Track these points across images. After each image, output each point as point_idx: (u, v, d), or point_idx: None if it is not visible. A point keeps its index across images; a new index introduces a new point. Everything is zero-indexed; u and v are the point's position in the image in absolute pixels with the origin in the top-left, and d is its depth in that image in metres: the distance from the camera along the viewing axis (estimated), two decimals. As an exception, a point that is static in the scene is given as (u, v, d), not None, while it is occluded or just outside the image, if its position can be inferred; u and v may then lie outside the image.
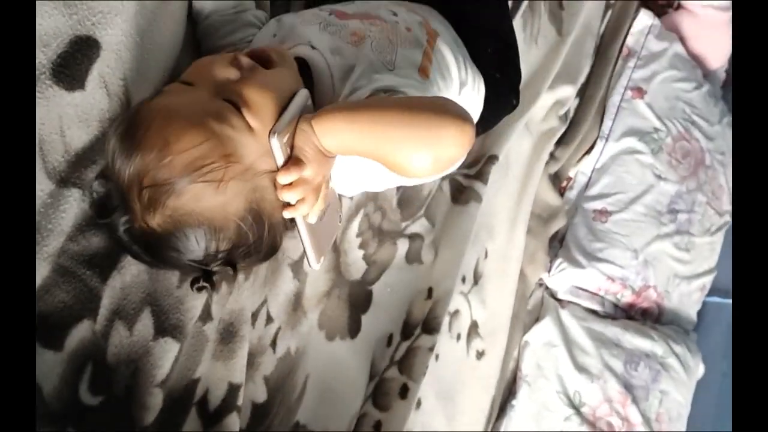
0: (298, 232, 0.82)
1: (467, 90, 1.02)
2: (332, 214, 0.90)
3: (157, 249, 0.77)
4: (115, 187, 0.73)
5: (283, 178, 0.75)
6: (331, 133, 0.76)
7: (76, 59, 0.71)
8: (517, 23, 1.54)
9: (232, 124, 0.74)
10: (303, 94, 0.80)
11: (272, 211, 0.79)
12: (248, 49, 0.82)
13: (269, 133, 0.74)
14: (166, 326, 0.87)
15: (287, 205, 0.78)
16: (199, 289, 0.82)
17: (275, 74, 0.80)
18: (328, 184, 0.83)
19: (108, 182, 0.75)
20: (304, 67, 0.87)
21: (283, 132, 0.74)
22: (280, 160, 0.75)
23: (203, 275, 0.82)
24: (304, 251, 0.85)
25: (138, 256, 0.80)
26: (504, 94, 1.14)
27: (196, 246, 0.76)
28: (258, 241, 0.80)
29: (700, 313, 2.16)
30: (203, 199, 0.73)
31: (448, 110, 0.76)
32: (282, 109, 0.77)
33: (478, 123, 1.04)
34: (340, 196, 0.97)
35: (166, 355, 0.87)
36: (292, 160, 0.76)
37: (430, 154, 0.75)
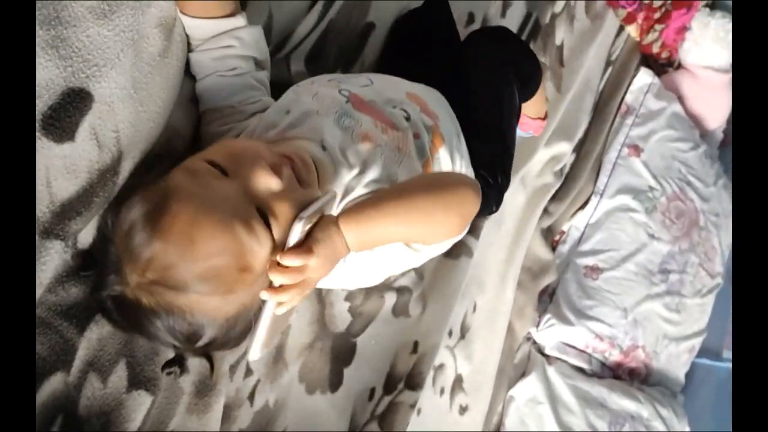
0: (260, 318, 0.76)
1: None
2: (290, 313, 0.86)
3: (136, 320, 0.77)
4: (116, 253, 0.73)
5: (288, 261, 0.73)
6: (360, 229, 0.77)
7: (67, 111, 0.70)
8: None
9: (258, 238, 0.74)
10: (332, 194, 0.81)
11: (258, 308, 0.80)
12: (288, 152, 0.81)
13: (296, 217, 0.73)
14: (141, 378, 0.86)
15: (270, 286, 0.75)
16: (169, 374, 0.83)
17: (307, 197, 0.79)
18: (313, 286, 0.81)
19: (104, 240, 0.75)
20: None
21: (308, 220, 0.74)
22: (293, 242, 0.74)
23: (176, 360, 0.82)
24: (254, 338, 0.78)
25: (113, 321, 0.80)
26: (489, 199, 1.15)
27: (176, 335, 0.77)
28: (239, 336, 0.82)
29: (688, 375, 2.14)
30: (201, 302, 0.74)
31: (454, 176, 0.87)
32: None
33: None
34: None
35: (139, 408, 0.86)
36: (305, 247, 0.74)
37: (458, 214, 0.83)
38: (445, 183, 0.85)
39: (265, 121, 0.91)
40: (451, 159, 1.00)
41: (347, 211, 0.79)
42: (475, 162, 1.07)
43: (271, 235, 0.75)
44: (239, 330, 0.80)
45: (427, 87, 1.08)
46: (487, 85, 1.14)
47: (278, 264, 0.73)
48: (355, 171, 0.87)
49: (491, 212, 1.21)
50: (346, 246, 0.77)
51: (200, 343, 0.78)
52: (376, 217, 0.78)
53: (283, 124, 0.90)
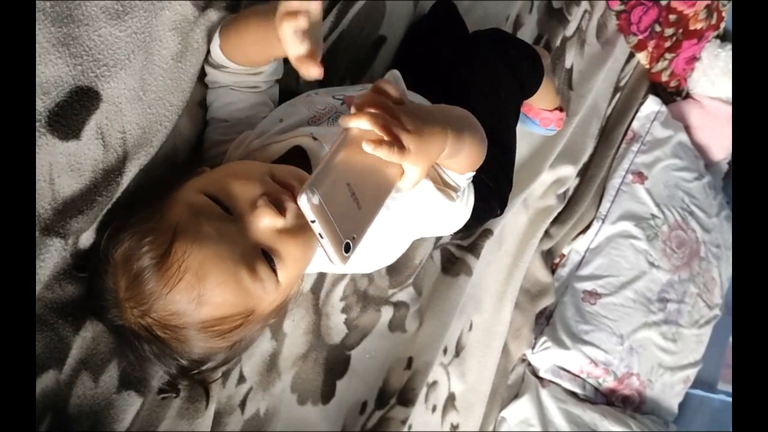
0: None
1: (455, 203, 1.02)
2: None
3: (132, 347, 0.77)
4: (115, 288, 0.73)
5: (385, 85, 0.67)
6: (456, 135, 0.73)
7: (74, 109, 0.71)
8: (524, 100, 1.55)
9: (264, 284, 0.74)
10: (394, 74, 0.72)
11: (252, 338, 0.81)
12: (287, 179, 0.77)
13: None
14: (132, 379, 0.86)
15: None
16: (164, 399, 0.84)
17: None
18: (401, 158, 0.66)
19: (104, 270, 0.75)
20: (302, 156, 0.85)
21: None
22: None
23: (171, 386, 0.84)
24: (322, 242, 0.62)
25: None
26: (492, 203, 1.14)
27: (172, 366, 0.78)
28: (229, 362, 0.83)
29: (681, 405, 2.13)
30: (201, 342, 0.75)
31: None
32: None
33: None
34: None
35: (129, 408, 0.86)
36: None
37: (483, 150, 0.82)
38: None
39: (257, 130, 0.90)
40: None
41: (452, 119, 0.74)
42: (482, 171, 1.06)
43: (276, 277, 0.75)
44: (237, 354, 0.81)
45: (424, 99, 1.07)
46: (483, 89, 1.14)
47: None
48: None
49: (496, 215, 1.20)
50: (443, 145, 0.70)
51: (195, 372, 0.79)
52: (464, 131, 0.75)
53: (273, 130, 0.89)
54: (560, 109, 1.56)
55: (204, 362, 0.79)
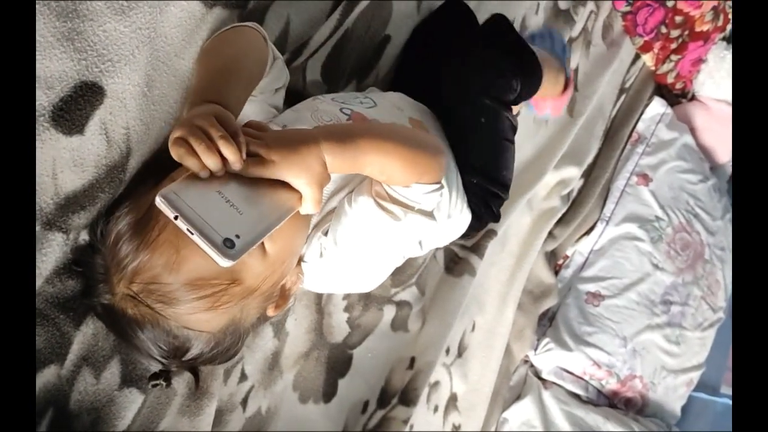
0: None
1: (453, 220, 1.02)
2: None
3: (123, 331, 0.76)
4: (103, 262, 0.73)
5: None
6: (342, 146, 0.73)
7: (78, 104, 0.71)
8: (530, 101, 1.55)
9: None
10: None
11: (248, 324, 0.79)
12: None
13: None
14: (133, 376, 0.86)
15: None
16: (155, 386, 0.82)
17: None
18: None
19: (93, 249, 0.74)
20: None
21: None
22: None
23: (162, 373, 0.81)
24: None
25: (106, 326, 0.80)
26: (490, 209, 1.11)
27: (161, 348, 0.75)
28: (225, 352, 0.80)
29: (684, 408, 2.12)
30: (187, 315, 0.72)
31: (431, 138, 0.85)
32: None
33: None
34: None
35: (130, 405, 0.86)
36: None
37: (424, 169, 0.79)
38: (422, 138, 0.83)
39: None
40: (448, 194, 0.98)
41: (331, 128, 0.78)
42: (472, 186, 1.04)
43: (263, 246, 0.74)
44: (227, 345, 0.78)
45: (429, 112, 1.07)
46: (480, 94, 1.07)
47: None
48: (342, 185, 0.86)
49: (495, 221, 1.17)
50: (323, 160, 0.72)
51: (186, 357, 0.77)
52: (359, 139, 0.75)
53: None
54: (565, 87, 1.48)
55: (194, 339, 0.76)
